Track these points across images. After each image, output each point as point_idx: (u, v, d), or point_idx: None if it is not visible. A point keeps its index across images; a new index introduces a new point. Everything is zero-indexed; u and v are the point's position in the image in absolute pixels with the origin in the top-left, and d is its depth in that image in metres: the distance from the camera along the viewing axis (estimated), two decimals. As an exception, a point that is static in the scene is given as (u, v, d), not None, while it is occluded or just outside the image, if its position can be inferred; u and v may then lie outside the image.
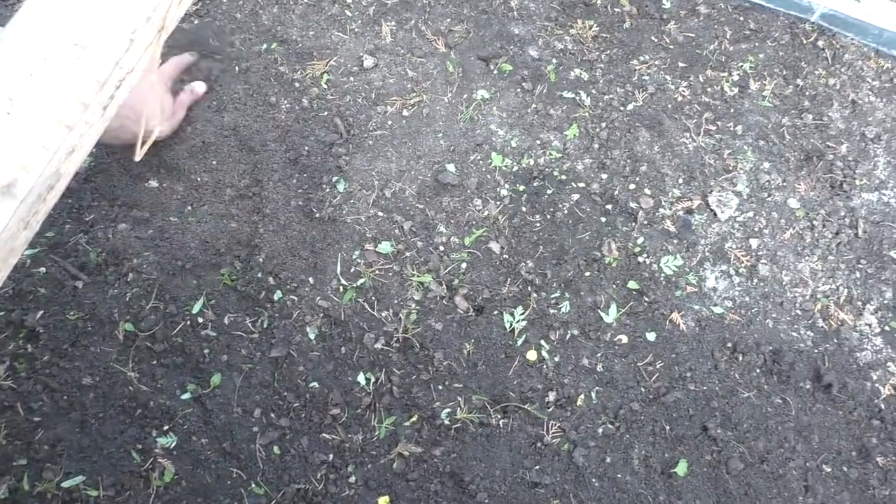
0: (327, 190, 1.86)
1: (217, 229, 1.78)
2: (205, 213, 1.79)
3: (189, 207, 1.79)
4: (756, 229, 1.90)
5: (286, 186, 1.84)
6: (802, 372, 1.74)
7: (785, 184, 1.97)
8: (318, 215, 1.82)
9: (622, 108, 2.05)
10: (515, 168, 1.94)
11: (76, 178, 1.79)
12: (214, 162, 1.83)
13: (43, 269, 1.70)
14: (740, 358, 1.75)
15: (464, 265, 1.81)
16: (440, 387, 1.68)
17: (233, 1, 2.08)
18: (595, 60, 2.13)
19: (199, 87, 1.89)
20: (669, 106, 2.07)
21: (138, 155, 1.55)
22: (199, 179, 1.81)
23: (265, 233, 1.78)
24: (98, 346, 1.66)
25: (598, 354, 1.73)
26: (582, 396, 1.68)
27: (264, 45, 2.02)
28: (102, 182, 1.81)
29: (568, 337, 1.75)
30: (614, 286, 1.81)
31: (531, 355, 1.72)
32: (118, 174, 1.81)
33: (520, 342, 1.73)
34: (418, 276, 1.78)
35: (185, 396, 1.63)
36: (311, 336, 1.71)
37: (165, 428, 1.61)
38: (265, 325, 1.70)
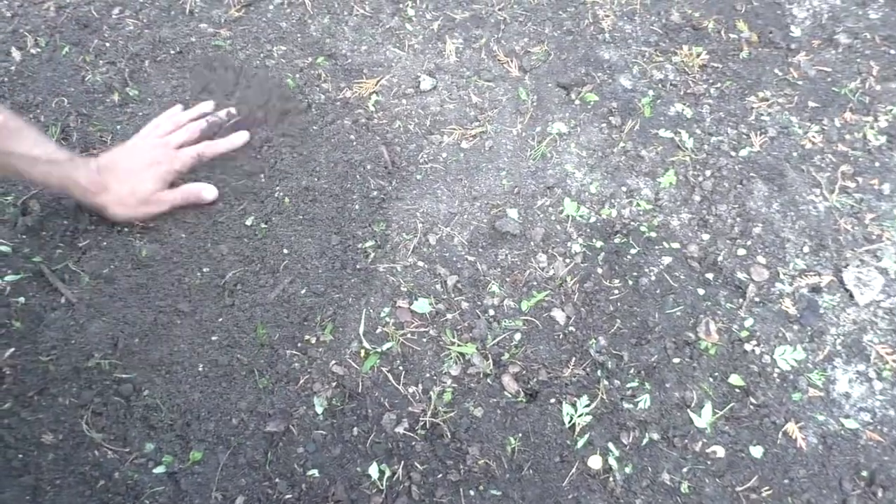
0: (359, 231, 1.53)
1: (224, 268, 1.48)
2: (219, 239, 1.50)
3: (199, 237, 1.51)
4: (907, 319, 1.45)
5: (312, 223, 1.54)
6: (970, 523, 1.27)
7: (947, 262, 1.51)
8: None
9: (733, 154, 1.65)
10: (593, 219, 1.57)
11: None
12: (223, 178, 1.55)
13: (22, 299, 1.45)
14: (880, 494, 1.29)
15: (517, 336, 1.44)
16: (472, 492, 1.30)
17: (279, 9, 1.82)
18: (702, 94, 1.74)
19: (208, 192, 1.53)
20: (795, 154, 1.65)
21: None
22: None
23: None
24: (68, 398, 1.38)
25: (685, 469, 1.32)
26: (658, 526, 1.27)
27: (309, 59, 1.74)
28: (105, 203, 1.55)
29: (645, 442, 1.34)
30: (711, 380, 1.40)
31: (594, 462, 1.32)
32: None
33: (581, 443, 1.34)
34: (459, 346, 1.42)
35: (159, 470, 1.32)
36: (319, 409, 1.37)
37: (129, 508, 1.30)
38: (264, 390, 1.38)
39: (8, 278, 1.46)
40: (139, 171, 1.46)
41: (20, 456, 1.32)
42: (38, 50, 1.72)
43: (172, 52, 1.73)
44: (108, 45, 1.73)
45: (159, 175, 1.48)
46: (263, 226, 1.52)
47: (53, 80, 1.67)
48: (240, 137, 1.58)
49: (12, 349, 1.40)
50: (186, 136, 1.54)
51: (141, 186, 1.46)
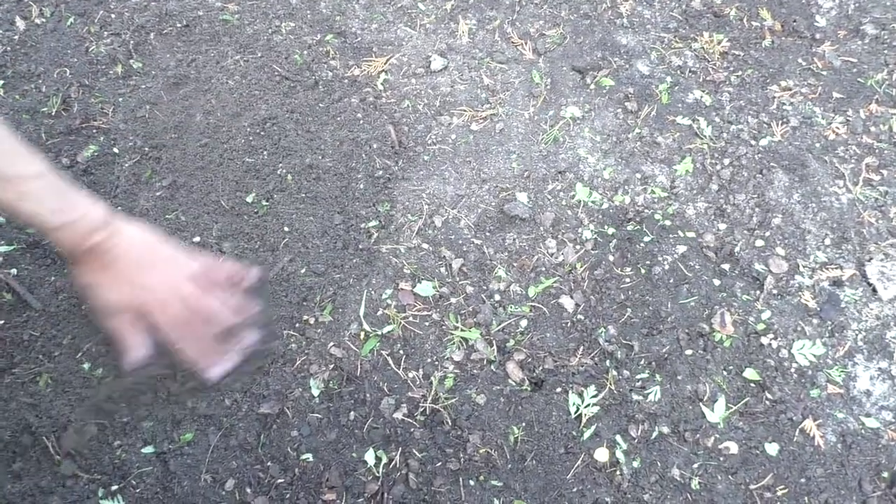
0: (362, 210, 1.48)
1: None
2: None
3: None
4: (933, 317, 1.39)
5: (315, 201, 1.49)
6: None
7: (976, 259, 1.45)
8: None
9: (753, 143, 1.59)
10: (605, 205, 1.51)
11: (74, 168, 1.50)
12: (219, 159, 1.51)
13: (14, 271, 1.40)
14: (902, 497, 1.23)
15: (523, 323, 1.38)
16: (472, 482, 1.24)
17: (289, -16, 1.78)
18: (722, 82, 1.68)
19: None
20: (818, 145, 1.59)
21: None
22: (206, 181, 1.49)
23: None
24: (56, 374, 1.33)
25: (696, 465, 1.26)
26: (666, 523, 1.21)
27: (318, 36, 1.69)
28: (104, 175, 1.51)
29: (654, 435, 1.28)
30: (725, 373, 1.33)
31: (601, 455, 1.26)
32: (126, 170, 1.51)
33: (587, 434, 1.28)
34: (462, 331, 1.36)
35: (148, 450, 1.27)
36: (315, 392, 1.32)
37: (114, 488, 1.24)
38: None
39: (0, 249, 1.42)
40: (132, 282, 1.08)
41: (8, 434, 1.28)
42: (43, 20, 1.68)
43: (179, 25, 1.69)
44: (113, 16, 1.69)
45: (142, 305, 1.09)
46: (265, 203, 1.47)
47: (57, 50, 1.63)
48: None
49: (1, 322, 1.35)
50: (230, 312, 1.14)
51: (114, 298, 1.09)
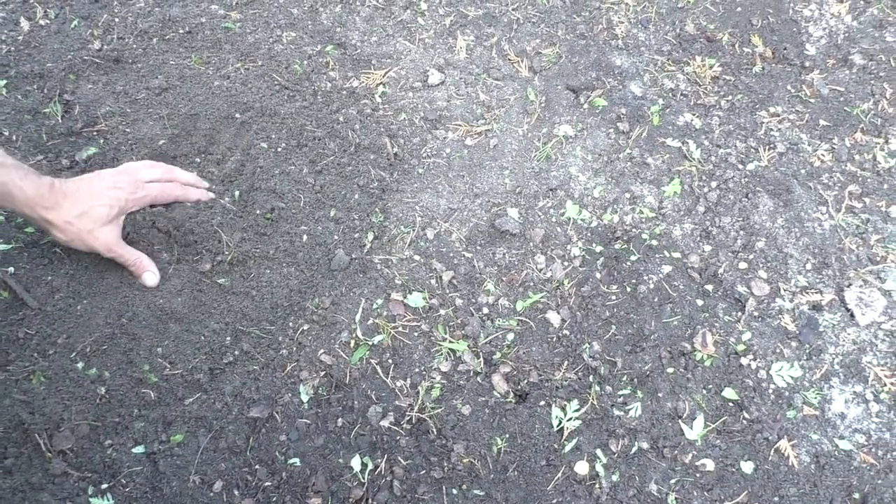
0: (356, 220, 1.51)
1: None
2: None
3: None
4: (908, 343, 1.43)
5: (310, 210, 1.52)
6: (963, 553, 1.23)
7: (951, 288, 1.49)
8: (341, 249, 1.48)
9: (740, 167, 1.63)
10: (594, 223, 1.55)
11: (74, 168, 1.52)
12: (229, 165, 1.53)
13: (12, 269, 1.42)
14: (872, 518, 1.26)
15: (510, 336, 1.41)
16: (455, 490, 1.27)
17: (292, -5, 1.81)
18: (712, 106, 1.72)
19: (150, 277, 1.40)
20: (803, 171, 1.63)
21: None
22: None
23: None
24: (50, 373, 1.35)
25: (673, 481, 1.29)
26: (642, 537, 1.24)
27: (318, 47, 1.72)
28: (102, 178, 1.53)
29: (634, 450, 1.31)
30: (704, 392, 1.37)
31: (581, 468, 1.29)
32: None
33: (568, 448, 1.31)
34: (451, 342, 1.39)
35: (138, 450, 1.29)
36: (304, 398, 1.34)
37: (104, 486, 1.27)
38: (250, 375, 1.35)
39: (-1, 247, 1.44)
40: (97, 193, 1.32)
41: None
42: (47, 21, 1.71)
43: (182, 31, 1.71)
44: (117, 20, 1.72)
45: (117, 200, 1.34)
46: (258, 212, 1.50)
47: (60, 52, 1.66)
48: (207, 194, 1.49)
49: (-1, 320, 1.37)
50: (158, 174, 1.44)
51: (94, 211, 1.32)
